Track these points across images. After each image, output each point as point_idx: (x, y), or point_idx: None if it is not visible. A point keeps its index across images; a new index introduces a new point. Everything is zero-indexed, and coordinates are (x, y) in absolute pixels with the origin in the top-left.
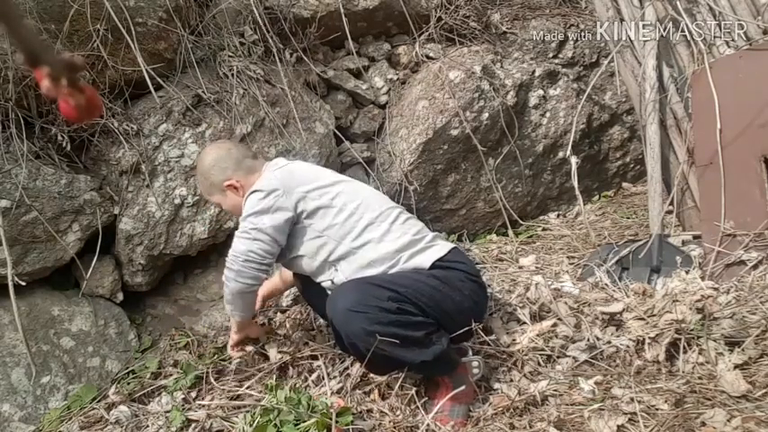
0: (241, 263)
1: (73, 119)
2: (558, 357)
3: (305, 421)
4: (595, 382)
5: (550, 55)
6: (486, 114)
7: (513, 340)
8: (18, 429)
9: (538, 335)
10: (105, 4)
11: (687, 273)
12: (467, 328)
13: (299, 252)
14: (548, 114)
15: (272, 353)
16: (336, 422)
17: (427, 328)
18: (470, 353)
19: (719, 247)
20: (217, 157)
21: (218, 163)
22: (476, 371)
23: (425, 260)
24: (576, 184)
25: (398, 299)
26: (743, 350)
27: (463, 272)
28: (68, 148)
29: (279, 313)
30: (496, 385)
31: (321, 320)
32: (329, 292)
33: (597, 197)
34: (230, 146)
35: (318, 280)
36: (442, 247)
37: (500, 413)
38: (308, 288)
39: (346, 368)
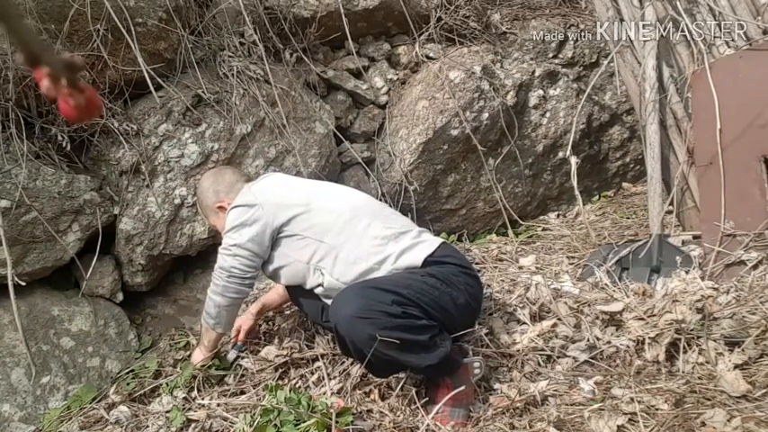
0: (225, 279)
1: (73, 119)
2: (558, 357)
3: (305, 421)
4: (595, 382)
5: (550, 55)
6: (486, 114)
7: (513, 340)
8: (18, 429)
9: (538, 335)
10: (105, 4)
11: (687, 273)
12: (469, 330)
13: (284, 261)
14: (548, 114)
15: (272, 353)
16: (336, 422)
17: (432, 331)
18: (471, 353)
19: (719, 247)
20: (212, 180)
21: (213, 186)
22: (477, 371)
23: (417, 258)
24: (575, 184)
25: (402, 302)
26: (743, 350)
27: (456, 266)
28: (68, 148)
29: (278, 314)
30: (496, 385)
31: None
32: (323, 300)
33: (597, 197)
34: (225, 170)
35: (308, 287)
36: (430, 243)
37: (500, 413)
38: (300, 299)
39: (346, 368)
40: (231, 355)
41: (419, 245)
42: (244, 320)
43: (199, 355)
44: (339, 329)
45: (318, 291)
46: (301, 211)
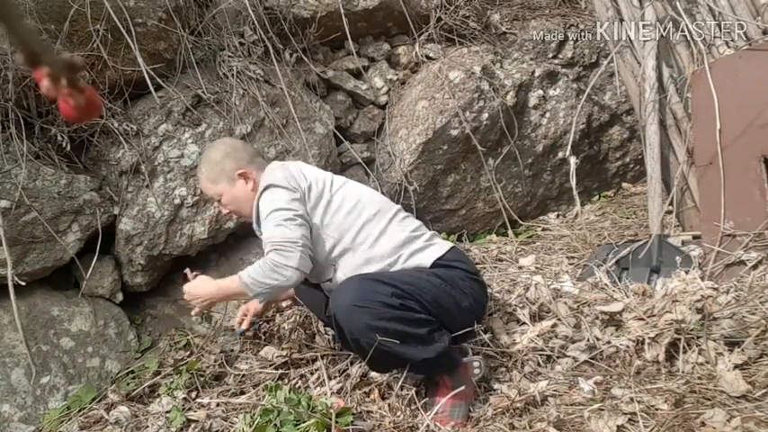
0: (300, 249)
1: (73, 119)
2: (558, 357)
3: (305, 421)
4: (595, 382)
5: (550, 55)
6: (486, 114)
7: (513, 340)
8: (18, 430)
9: (538, 335)
10: (105, 4)
11: (687, 273)
12: (468, 329)
13: None
14: (547, 114)
15: (272, 353)
16: (336, 422)
17: (430, 326)
18: (471, 353)
19: (719, 247)
20: (232, 147)
21: (234, 153)
22: (477, 371)
23: (426, 259)
24: (574, 185)
25: (401, 295)
26: (743, 350)
27: (463, 270)
28: (68, 148)
29: (278, 314)
30: (496, 385)
31: (320, 322)
32: (328, 295)
33: (597, 197)
34: (239, 141)
35: (318, 280)
36: (441, 246)
37: (500, 413)
38: (305, 292)
39: (346, 368)
40: (238, 331)
41: (430, 247)
42: (252, 303)
43: (209, 291)
44: (337, 318)
45: (326, 285)
46: (324, 202)
